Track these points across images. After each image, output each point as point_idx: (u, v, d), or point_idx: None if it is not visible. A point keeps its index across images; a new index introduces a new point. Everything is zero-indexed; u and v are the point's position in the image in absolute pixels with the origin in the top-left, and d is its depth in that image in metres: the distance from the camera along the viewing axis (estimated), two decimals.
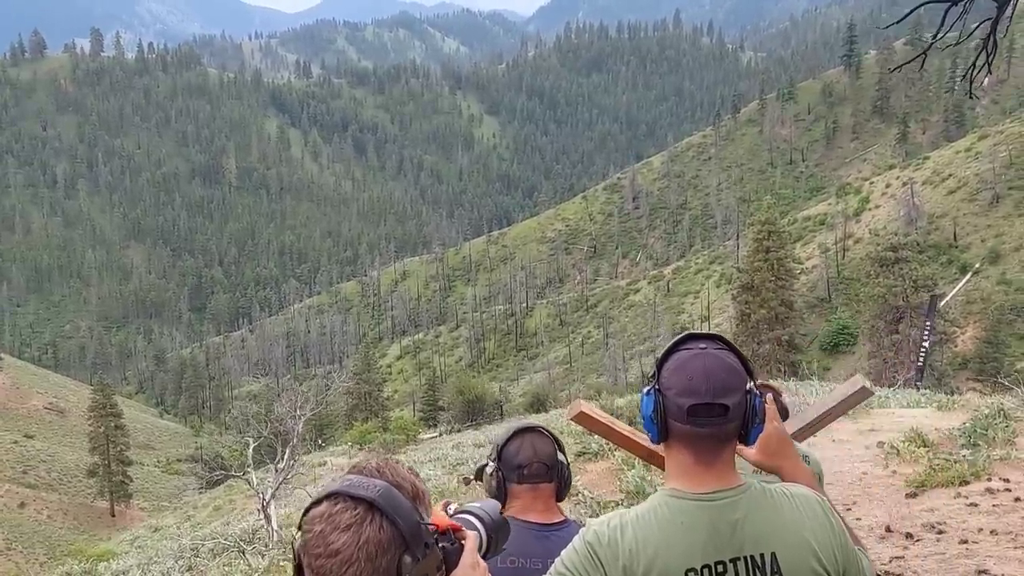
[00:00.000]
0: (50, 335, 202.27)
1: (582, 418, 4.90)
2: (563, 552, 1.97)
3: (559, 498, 2.91)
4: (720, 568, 1.84)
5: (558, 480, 2.88)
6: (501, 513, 1.75)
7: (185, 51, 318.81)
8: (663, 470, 5.66)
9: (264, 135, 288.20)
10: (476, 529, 1.62)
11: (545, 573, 2.65)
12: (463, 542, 1.47)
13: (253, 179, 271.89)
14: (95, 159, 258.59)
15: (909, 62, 6.10)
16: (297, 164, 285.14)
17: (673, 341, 2.02)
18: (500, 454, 2.89)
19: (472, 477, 3.11)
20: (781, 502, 1.93)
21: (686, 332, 2.05)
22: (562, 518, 2.87)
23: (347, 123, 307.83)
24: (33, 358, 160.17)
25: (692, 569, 1.83)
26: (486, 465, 2.97)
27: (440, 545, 1.39)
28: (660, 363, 1.98)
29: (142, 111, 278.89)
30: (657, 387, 1.95)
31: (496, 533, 1.69)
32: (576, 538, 1.96)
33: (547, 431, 2.95)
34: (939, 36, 5.71)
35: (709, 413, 1.87)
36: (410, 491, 1.35)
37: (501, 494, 2.85)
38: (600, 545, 1.87)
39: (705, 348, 1.94)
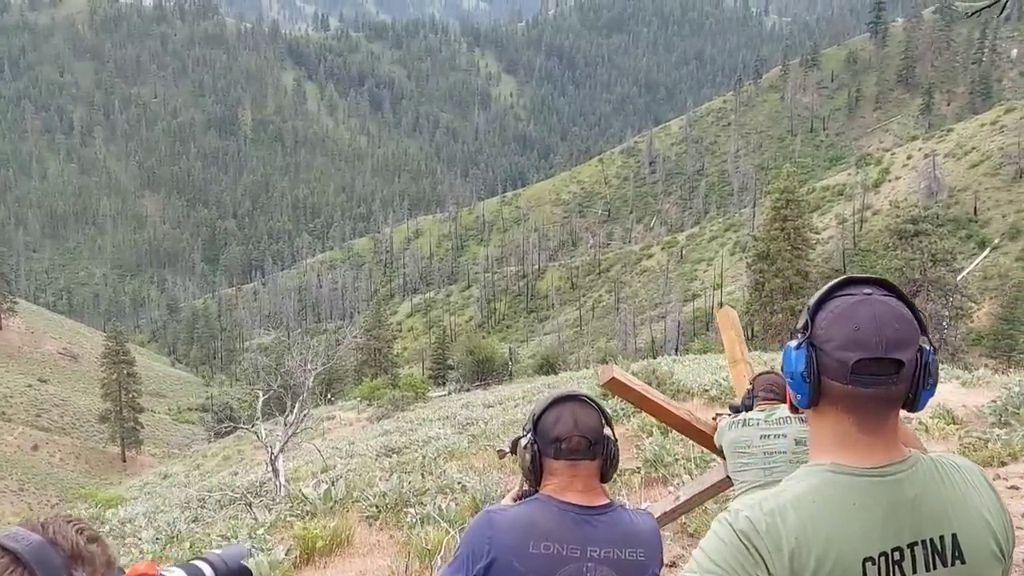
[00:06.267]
0: (65, 281, 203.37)
1: (614, 384, 4.70)
2: (705, 544, 1.65)
3: (604, 478, 2.55)
4: (897, 555, 1.60)
5: (603, 458, 2.53)
6: (243, 561, 1.67)
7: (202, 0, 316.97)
8: (699, 444, 5.48)
9: (280, 87, 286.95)
10: (201, 574, 1.59)
11: (582, 562, 2.38)
12: None
13: (268, 132, 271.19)
14: (111, 106, 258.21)
15: (988, 6, 5.64)
16: (313, 118, 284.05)
17: (829, 286, 1.72)
18: (536, 424, 2.55)
19: (507, 449, 2.76)
20: (953, 475, 1.69)
21: (844, 276, 1.74)
22: (606, 500, 2.51)
23: (364, 78, 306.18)
24: (48, 303, 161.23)
25: (869, 558, 1.58)
26: (521, 436, 2.63)
27: None
28: (813, 312, 1.70)
29: (159, 59, 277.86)
30: (810, 340, 1.67)
31: None
32: (719, 527, 1.65)
33: (592, 401, 2.57)
34: None
35: (879, 370, 1.60)
36: (68, 550, 1.34)
37: (536, 469, 2.54)
38: (756, 534, 1.58)
39: (871, 294, 1.66)
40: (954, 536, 1.62)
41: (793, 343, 1.71)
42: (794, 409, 1.77)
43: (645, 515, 2.58)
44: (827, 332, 1.64)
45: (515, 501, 2.67)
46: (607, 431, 2.57)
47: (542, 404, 2.60)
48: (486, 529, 2.42)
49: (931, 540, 1.62)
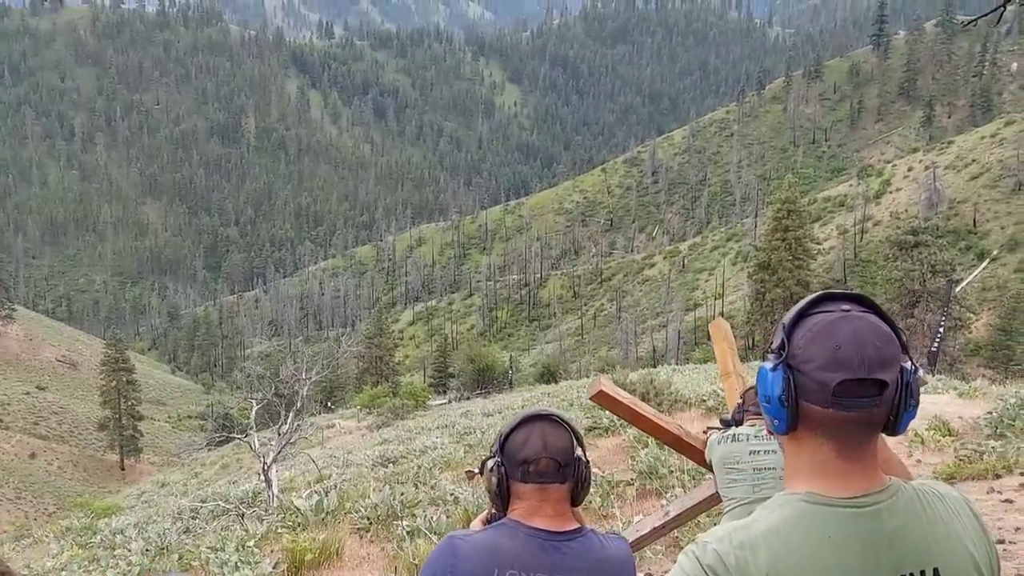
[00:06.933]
0: (64, 288, 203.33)
1: (602, 398, 4.59)
2: None
3: (575, 502, 2.40)
4: None
5: (573, 480, 2.36)
6: None
7: (206, 6, 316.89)
8: (691, 459, 5.35)
9: (284, 95, 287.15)
10: None
11: None
12: None
13: (272, 139, 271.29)
14: (113, 113, 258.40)
15: (985, 16, 5.51)
16: (316, 126, 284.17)
17: (804, 303, 1.60)
18: (503, 446, 2.38)
19: (476, 471, 2.58)
20: (935, 506, 1.58)
21: (821, 292, 1.62)
22: (576, 525, 2.35)
23: (368, 86, 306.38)
24: (47, 310, 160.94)
25: None
26: (489, 458, 2.46)
27: None
28: (789, 330, 1.57)
29: (161, 66, 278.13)
30: (787, 361, 1.55)
31: None
32: (685, 561, 1.55)
33: (563, 420, 2.41)
34: None
35: (861, 391, 1.48)
36: None
37: (503, 493, 2.38)
38: (725, 569, 1.49)
39: (849, 311, 1.53)
40: (935, 571, 1.52)
41: (768, 364, 1.59)
42: (772, 433, 1.67)
43: (618, 540, 2.43)
44: (805, 352, 1.53)
45: (484, 525, 2.52)
46: (578, 452, 2.40)
47: (509, 424, 2.43)
48: (449, 557, 2.27)
49: (911, 575, 1.51)
